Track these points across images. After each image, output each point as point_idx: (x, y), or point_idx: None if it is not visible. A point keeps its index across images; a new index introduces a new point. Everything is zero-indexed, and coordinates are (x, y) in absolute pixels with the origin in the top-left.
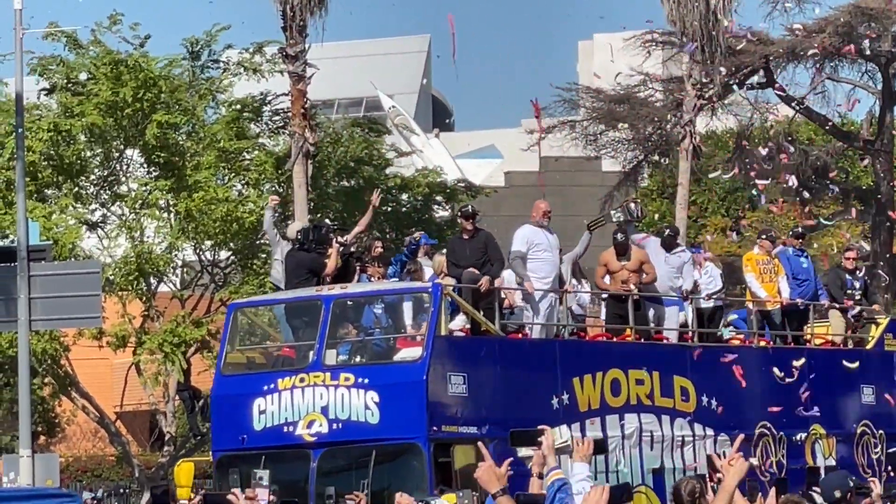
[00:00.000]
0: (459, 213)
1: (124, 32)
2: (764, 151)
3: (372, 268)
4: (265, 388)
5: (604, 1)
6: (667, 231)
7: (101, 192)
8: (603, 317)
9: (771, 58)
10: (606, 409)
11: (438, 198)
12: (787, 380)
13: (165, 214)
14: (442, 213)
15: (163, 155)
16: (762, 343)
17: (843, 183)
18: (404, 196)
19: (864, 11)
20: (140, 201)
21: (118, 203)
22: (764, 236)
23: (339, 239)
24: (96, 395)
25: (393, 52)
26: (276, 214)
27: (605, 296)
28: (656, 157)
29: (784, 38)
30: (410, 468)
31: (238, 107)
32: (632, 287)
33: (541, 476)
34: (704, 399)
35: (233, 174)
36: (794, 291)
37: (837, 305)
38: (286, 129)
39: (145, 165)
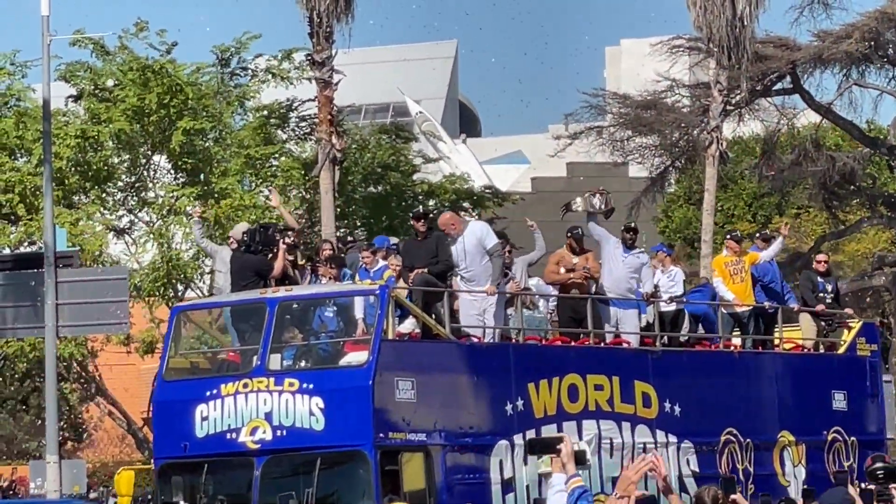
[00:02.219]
0: (412, 214)
1: (151, 39)
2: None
3: (323, 268)
4: (208, 393)
5: (630, 6)
6: (627, 229)
7: (129, 198)
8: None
9: (797, 63)
10: (563, 416)
11: (465, 204)
12: (755, 385)
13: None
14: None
15: (190, 161)
16: (729, 347)
17: (871, 189)
18: (431, 202)
19: (891, 17)
20: (167, 208)
21: (145, 209)
22: (728, 237)
23: (286, 240)
24: (123, 401)
25: (420, 58)
26: (203, 227)
27: (554, 298)
28: (683, 163)
29: (811, 43)
30: (356, 476)
31: (265, 113)
32: (580, 278)
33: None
34: (667, 405)
35: (260, 180)
36: (760, 295)
37: (807, 309)
38: (313, 135)
39: (172, 172)
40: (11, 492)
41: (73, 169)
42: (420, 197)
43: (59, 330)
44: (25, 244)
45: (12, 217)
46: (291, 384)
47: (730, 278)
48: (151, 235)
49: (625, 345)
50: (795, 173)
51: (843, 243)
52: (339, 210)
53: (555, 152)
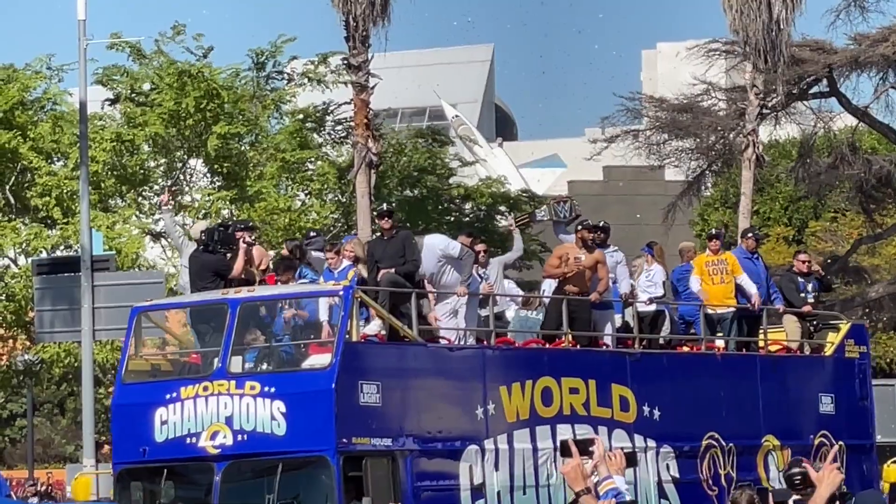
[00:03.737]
0: (376, 212)
1: (188, 43)
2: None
3: (280, 276)
4: (167, 396)
5: (667, 10)
6: (596, 228)
7: None
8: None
9: (834, 67)
10: (537, 420)
11: (502, 207)
12: (738, 387)
13: None
14: (504, 222)
15: (226, 165)
16: (711, 349)
17: None
18: (467, 206)
19: None
20: (203, 211)
21: (182, 213)
22: (710, 237)
23: (248, 238)
24: None
25: (456, 62)
26: (172, 216)
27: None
28: (719, 167)
29: (847, 47)
30: (318, 482)
31: (301, 117)
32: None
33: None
34: (646, 408)
35: (296, 184)
36: (742, 297)
37: (792, 310)
38: (349, 139)
39: (208, 176)
40: (48, 496)
41: (109, 172)
42: (457, 200)
43: (95, 333)
44: (62, 248)
45: (49, 221)
46: (252, 387)
47: (709, 278)
48: (187, 239)
49: (602, 346)
50: (832, 177)
51: (879, 246)
52: (374, 214)
53: (591, 156)
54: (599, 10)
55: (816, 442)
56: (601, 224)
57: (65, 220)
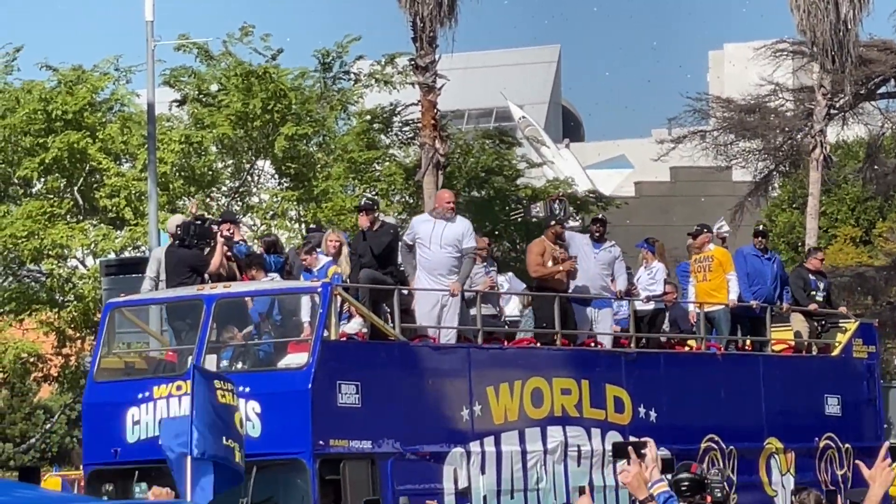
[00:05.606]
0: (355, 207)
1: (255, 44)
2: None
3: (254, 270)
4: (139, 396)
5: (734, 11)
6: (594, 221)
7: (233, 203)
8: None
9: None
10: (526, 422)
11: (570, 209)
12: (739, 388)
13: (296, 225)
14: (572, 223)
15: (293, 166)
16: (711, 348)
17: None
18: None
19: None
20: (271, 212)
21: (249, 214)
22: (692, 234)
23: (224, 233)
24: None
25: (523, 63)
26: None
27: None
28: (787, 167)
29: None
30: (294, 486)
31: (368, 118)
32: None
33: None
34: (642, 410)
35: (363, 185)
36: (748, 293)
37: (798, 308)
38: (416, 140)
39: (276, 177)
40: None
41: (177, 174)
42: (524, 201)
43: (162, 334)
44: (130, 249)
45: (118, 222)
46: None
47: (694, 276)
48: (255, 241)
49: (596, 346)
50: None
51: None
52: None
53: (658, 157)
54: (667, 12)
55: (822, 444)
56: (600, 216)
57: (134, 222)
